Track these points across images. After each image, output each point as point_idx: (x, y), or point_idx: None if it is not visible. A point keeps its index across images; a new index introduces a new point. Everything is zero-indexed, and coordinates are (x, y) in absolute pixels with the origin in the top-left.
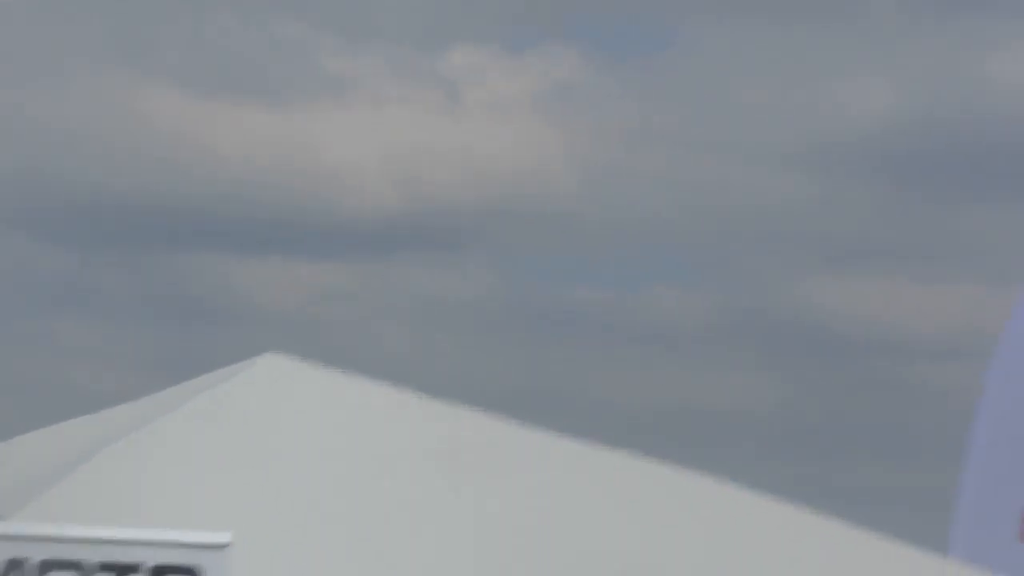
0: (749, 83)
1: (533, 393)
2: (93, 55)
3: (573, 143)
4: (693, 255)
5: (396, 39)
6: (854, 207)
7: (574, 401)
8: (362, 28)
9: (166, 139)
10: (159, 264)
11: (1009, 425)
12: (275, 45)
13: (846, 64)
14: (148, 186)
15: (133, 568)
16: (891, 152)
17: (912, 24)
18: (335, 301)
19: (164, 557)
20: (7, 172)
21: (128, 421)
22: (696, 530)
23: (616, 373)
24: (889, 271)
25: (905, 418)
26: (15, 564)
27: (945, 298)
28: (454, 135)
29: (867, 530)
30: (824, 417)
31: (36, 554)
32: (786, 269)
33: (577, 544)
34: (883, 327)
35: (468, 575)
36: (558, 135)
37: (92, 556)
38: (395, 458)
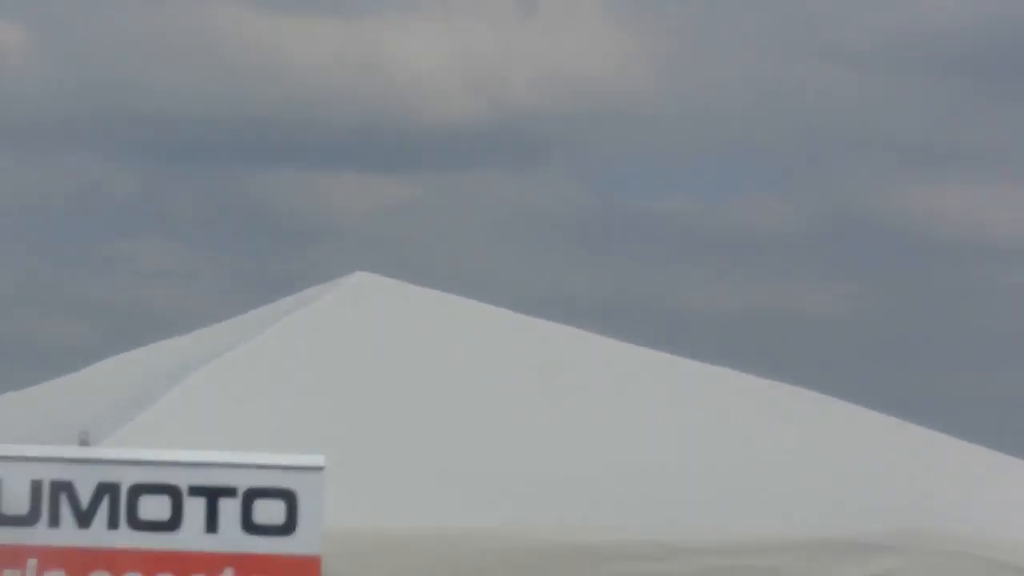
0: None
1: (619, 305)
2: None
3: (654, 47)
4: (778, 160)
5: None
6: (938, 106)
7: (661, 312)
8: None
9: (239, 54)
10: (235, 183)
11: None
12: None
13: None
14: (222, 103)
15: (226, 491)
16: (975, 50)
17: None
18: (414, 215)
19: (258, 480)
20: (77, 91)
21: (218, 343)
22: (787, 438)
23: (702, 283)
24: (979, 172)
25: (1000, 324)
26: (105, 489)
27: None
28: (531, 42)
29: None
30: (915, 323)
31: (127, 479)
32: (874, 172)
33: (677, 457)
34: (977, 230)
35: (571, 491)
36: (638, 39)
37: (184, 480)
38: (492, 375)
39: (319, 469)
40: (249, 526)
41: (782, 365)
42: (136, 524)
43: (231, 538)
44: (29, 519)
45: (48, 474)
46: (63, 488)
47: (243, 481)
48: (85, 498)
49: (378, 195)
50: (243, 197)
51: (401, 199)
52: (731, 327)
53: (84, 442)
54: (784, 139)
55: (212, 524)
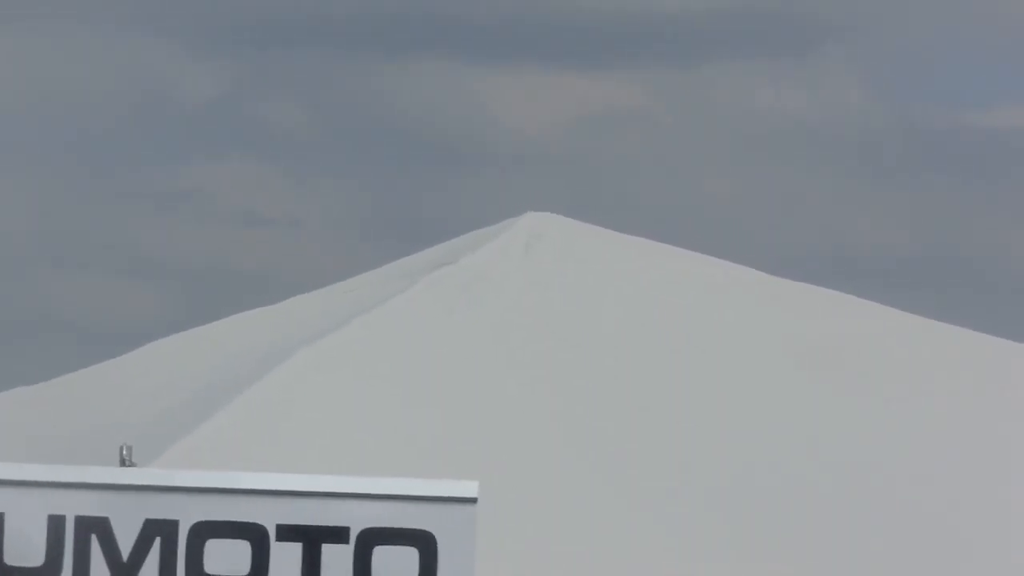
0: None
1: (925, 264)
2: None
3: None
4: None
5: None
6: None
7: (988, 279)
8: None
9: None
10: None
11: None
12: None
13: None
14: None
15: (332, 534)
16: None
17: None
18: (631, 125)
19: (380, 517)
20: None
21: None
22: None
23: None
24: None
25: None
26: (155, 529)
27: None
28: None
29: None
30: None
31: (187, 515)
32: None
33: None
34: None
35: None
36: None
37: (271, 516)
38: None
39: (470, 502)
40: None
41: None
42: None
43: None
44: (45, 573)
45: (73, 507)
46: (94, 528)
47: (357, 518)
48: (126, 543)
49: (584, 99)
50: None
51: (616, 104)
52: None
53: (126, 461)
54: None
55: None
